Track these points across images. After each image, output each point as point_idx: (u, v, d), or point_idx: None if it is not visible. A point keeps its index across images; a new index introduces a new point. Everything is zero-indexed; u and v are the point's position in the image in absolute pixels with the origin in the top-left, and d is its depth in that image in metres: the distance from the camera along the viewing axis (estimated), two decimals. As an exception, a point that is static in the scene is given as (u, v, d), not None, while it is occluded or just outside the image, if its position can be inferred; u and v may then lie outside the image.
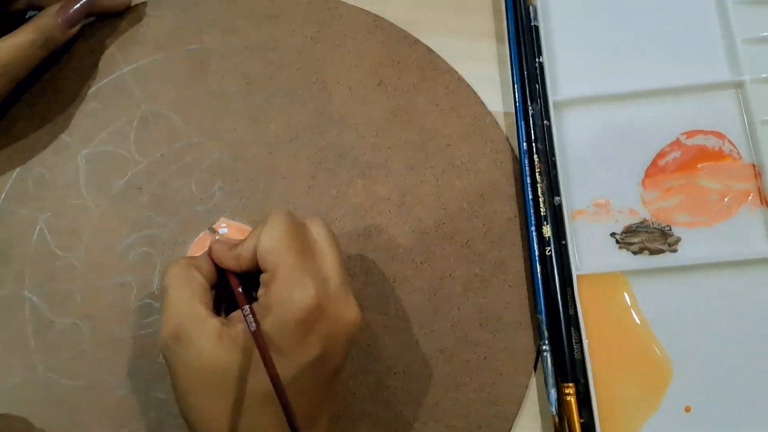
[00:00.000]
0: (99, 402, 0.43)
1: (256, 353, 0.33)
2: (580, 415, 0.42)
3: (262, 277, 0.35)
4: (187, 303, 0.35)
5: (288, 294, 0.33)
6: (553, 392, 0.42)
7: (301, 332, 0.33)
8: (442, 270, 0.45)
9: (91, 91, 0.48)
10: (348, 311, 0.35)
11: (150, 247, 0.45)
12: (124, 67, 0.49)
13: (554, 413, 0.42)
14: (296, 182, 0.46)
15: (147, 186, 0.46)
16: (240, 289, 0.36)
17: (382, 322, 0.44)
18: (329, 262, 0.36)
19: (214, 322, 0.34)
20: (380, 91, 0.48)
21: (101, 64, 0.49)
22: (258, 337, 0.32)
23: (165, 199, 0.46)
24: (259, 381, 0.33)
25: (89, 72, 0.49)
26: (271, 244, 0.34)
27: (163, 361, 0.43)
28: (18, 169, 0.47)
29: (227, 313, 0.39)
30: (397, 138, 0.47)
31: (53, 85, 0.48)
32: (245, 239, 0.37)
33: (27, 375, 0.44)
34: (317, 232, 0.37)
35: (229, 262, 0.37)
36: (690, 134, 0.46)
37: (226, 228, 0.45)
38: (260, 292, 0.35)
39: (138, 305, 0.45)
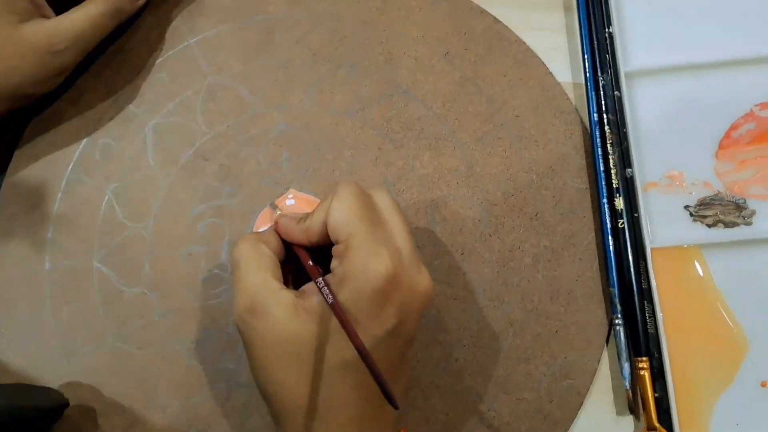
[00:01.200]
0: (168, 371, 0.43)
1: (333, 324, 0.33)
2: (654, 390, 0.41)
3: (335, 249, 0.35)
4: (260, 277, 0.35)
5: (364, 264, 0.33)
6: (626, 366, 0.41)
7: (378, 302, 0.33)
8: (511, 242, 0.44)
9: (158, 62, 0.48)
10: (421, 280, 0.35)
11: (218, 218, 0.45)
12: (190, 39, 0.48)
13: (628, 388, 0.41)
14: (363, 153, 0.46)
15: (215, 157, 0.46)
16: (310, 262, 0.36)
17: (450, 294, 0.44)
18: (399, 232, 0.35)
19: (288, 295, 0.34)
20: (447, 62, 0.47)
21: (168, 35, 0.49)
22: (337, 307, 0.32)
23: (233, 170, 0.46)
24: (336, 351, 0.33)
25: (156, 43, 0.48)
26: (343, 215, 0.34)
27: (232, 332, 0.43)
28: (85, 139, 0.47)
29: (296, 288, 0.39)
30: (464, 109, 0.46)
31: (120, 56, 0.48)
32: (313, 212, 0.36)
33: (97, 344, 0.44)
34: (383, 202, 0.36)
35: (297, 235, 0.37)
36: (764, 106, 0.45)
37: (293, 199, 0.45)
38: (333, 263, 0.35)
39: (207, 275, 0.44)
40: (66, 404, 0.42)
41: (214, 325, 0.44)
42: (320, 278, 0.34)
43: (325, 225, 0.35)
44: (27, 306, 0.44)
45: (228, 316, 0.44)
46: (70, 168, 0.47)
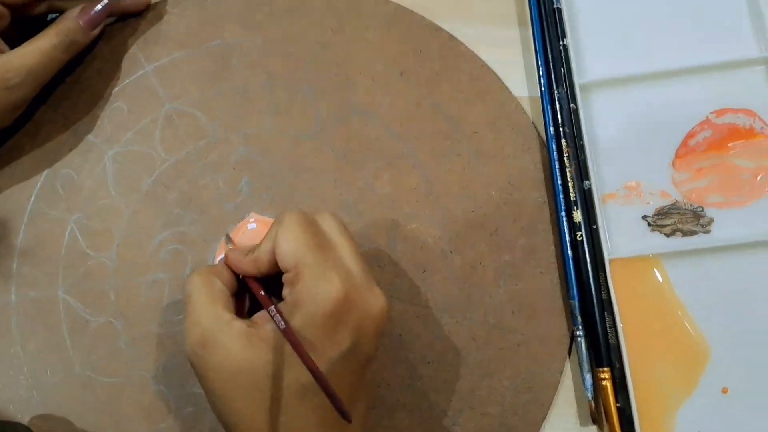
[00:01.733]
0: (136, 398, 0.43)
1: (287, 350, 0.33)
2: (617, 400, 0.41)
3: (285, 277, 0.35)
4: (210, 309, 0.35)
5: (315, 289, 0.33)
6: (588, 377, 0.42)
7: (331, 325, 0.33)
8: (472, 258, 0.44)
9: (115, 90, 0.48)
10: (374, 300, 0.35)
11: (180, 244, 0.45)
12: (147, 66, 0.48)
13: (590, 398, 0.41)
14: (322, 175, 0.46)
15: (175, 184, 0.46)
16: (262, 292, 0.36)
17: (413, 312, 0.44)
18: (348, 254, 0.36)
19: (239, 325, 0.34)
20: (403, 81, 0.47)
21: (124, 63, 0.49)
22: (289, 331, 0.33)
23: (193, 197, 0.46)
24: (293, 376, 0.33)
25: (112, 72, 0.48)
26: (289, 244, 0.34)
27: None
28: (46, 171, 0.47)
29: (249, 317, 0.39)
30: (422, 127, 0.47)
31: (77, 86, 0.48)
32: (260, 243, 0.37)
33: (64, 374, 0.44)
34: (330, 226, 0.37)
35: (247, 267, 0.37)
36: (720, 113, 0.45)
37: (254, 223, 0.45)
38: (285, 291, 0.35)
39: (171, 302, 0.45)
40: None
41: (179, 351, 0.44)
42: (272, 306, 0.34)
43: (274, 255, 0.35)
44: (-5, 339, 0.45)
45: (193, 342, 0.44)
46: (32, 200, 0.47)
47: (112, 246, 0.46)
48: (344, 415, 0.32)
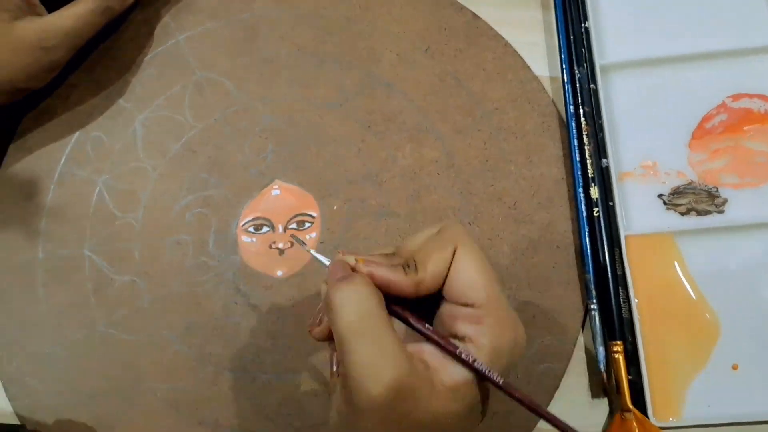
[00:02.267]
0: (157, 357, 0.44)
1: (473, 399, 0.29)
2: (629, 373, 0.42)
3: (463, 312, 0.30)
4: (399, 350, 0.28)
5: (513, 337, 0.29)
6: (601, 350, 0.42)
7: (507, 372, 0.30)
8: (490, 231, 0.45)
9: (147, 58, 0.49)
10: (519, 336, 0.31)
11: (205, 208, 0.46)
12: (179, 36, 0.49)
13: (602, 370, 0.42)
14: (346, 145, 0.47)
15: (202, 149, 0.47)
16: (447, 339, 0.30)
17: (431, 281, 0.44)
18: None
19: (425, 369, 0.29)
20: (427, 57, 0.48)
21: (156, 32, 0.50)
22: (514, 390, 0.29)
23: (219, 162, 0.47)
24: (472, 425, 0.30)
25: (145, 40, 0.49)
26: (479, 277, 0.30)
27: (219, 317, 0.44)
28: (77, 133, 0.48)
29: None
30: (445, 102, 0.47)
31: (111, 53, 0.49)
32: (422, 262, 0.30)
33: (88, 330, 0.45)
34: (474, 249, 0.31)
35: (404, 289, 0.30)
36: (736, 97, 0.46)
37: (278, 190, 0.46)
38: (467, 329, 0.29)
39: (193, 263, 0.45)
40: None
41: (201, 312, 0.45)
42: (479, 363, 0.29)
43: (441, 279, 0.30)
44: (21, 294, 0.45)
45: (214, 302, 0.45)
46: (63, 161, 0.48)
47: (138, 207, 0.46)
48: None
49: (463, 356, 0.28)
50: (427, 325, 0.30)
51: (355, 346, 0.28)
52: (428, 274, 0.30)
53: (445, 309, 0.30)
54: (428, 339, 0.29)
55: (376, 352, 0.27)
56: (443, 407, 0.28)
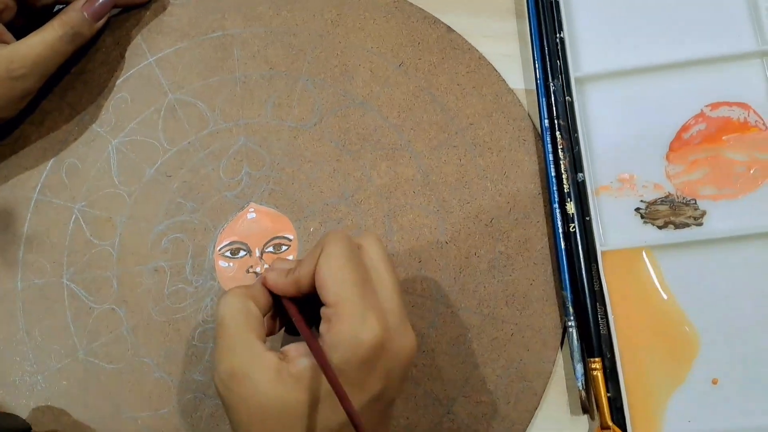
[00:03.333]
0: (137, 384, 0.44)
1: (320, 390, 0.32)
2: (608, 390, 0.41)
3: (323, 311, 0.33)
4: (244, 338, 0.33)
5: (353, 333, 0.31)
6: (579, 367, 0.42)
7: (365, 371, 0.32)
8: (467, 249, 0.44)
9: (119, 81, 0.48)
10: (406, 343, 0.33)
11: (182, 233, 0.45)
12: (150, 57, 0.48)
13: (581, 388, 0.41)
14: (321, 165, 0.46)
15: (177, 173, 0.46)
16: (302, 322, 0.34)
17: (409, 302, 0.44)
18: (387, 290, 0.34)
19: (271, 358, 0.32)
20: (401, 73, 0.47)
21: (128, 54, 0.48)
22: (333, 377, 0.30)
23: (195, 186, 0.46)
24: (323, 418, 0.32)
25: (116, 63, 0.48)
26: (331, 277, 0.32)
27: (198, 344, 0.43)
28: (51, 160, 0.47)
29: (286, 330, 0.38)
30: (420, 118, 0.46)
31: (82, 77, 0.48)
32: (301, 264, 0.35)
33: (68, 359, 0.44)
34: (373, 254, 0.35)
35: (287, 289, 0.35)
36: (714, 106, 0.45)
37: (254, 213, 0.45)
38: (323, 327, 0.33)
39: (172, 290, 0.45)
40: (29, 429, 0.42)
41: (180, 339, 0.44)
42: (316, 344, 0.32)
43: (314, 277, 0.33)
44: (2, 324, 0.45)
45: (193, 329, 0.44)
46: (38, 189, 0.47)
47: (114, 234, 0.46)
48: None
49: (312, 349, 0.31)
50: (303, 324, 0.33)
51: (216, 334, 0.34)
52: (302, 275, 0.34)
53: (322, 310, 0.33)
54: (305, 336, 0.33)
55: (223, 345, 0.33)
56: (286, 392, 0.32)
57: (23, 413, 0.44)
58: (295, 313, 0.34)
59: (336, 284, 0.32)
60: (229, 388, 0.32)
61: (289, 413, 0.32)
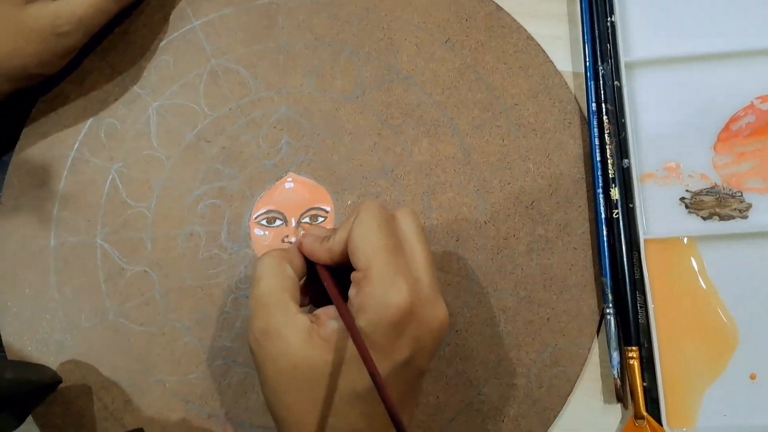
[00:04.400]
0: (167, 348, 0.43)
1: (347, 353, 0.31)
2: (643, 379, 0.40)
3: (354, 276, 0.33)
4: (278, 298, 0.33)
5: (381, 296, 0.31)
6: (615, 355, 0.40)
7: (393, 335, 0.31)
8: (506, 230, 0.43)
9: (161, 44, 0.47)
10: (437, 314, 0.33)
11: (218, 199, 0.44)
12: (194, 21, 0.47)
13: (616, 376, 0.40)
14: (362, 138, 0.45)
15: (216, 139, 0.45)
16: (332, 284, 0.34)
17: (444, 280, 0.42)
18: (419, 261, 0.33)
19: (303, 319, 0.32)
20: (447, 49, 0.46)
21: (171, 17, 0.47)
22: (359, 338, 0.30)
23: (234, 153, 0.45)
24: (349, 381, 0.32)
25: (160, 26, 0.47)
26: (363, 242, 0.32)
27: (230, 311, 0.42)
28: (91, 119, 0.46)
29: (313, 304, 0.37)
30: (464, 96, 0.45)
31: (125, 38, 0.47)
32: (336, 232, 0.34)
33: (99, 320, 0.43)
34: (407, 226, 0.34)
35: (321, 255, 0.35)
36: (765, 98, 0.43)
37: (292, 183, 0.44)
38: (351, 291, 0.33)
39: (206, 255, 0.44)
40: (59, 381, 0.41)
41: (212, 304, 0.43)
42: (344, 306, 0.32)
43: (347, 245, 0.33)
44: (33, 281, 0.44)
45: (226, 295, 0.43)
46: (76, 147, 0.46)
47: (151, 197, 0.45)
48: (400, 428, 0.30)
49: (341, 311, 0.31)
50: (334, 289, 0.33)
51: (251, 293, 0.34)
52: (335, 242, 0.34)
53: (353, 275, 0.33)
54: (334, 299, 0.33)
55: (258, 304, 0.33)
56: (315, 353, 0.32)
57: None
58: (326, 277, 0.34)
59: (367, 248, 0.32)
60: (262, 346, 0.32)
61: (318, 374, 0.32)
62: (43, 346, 0.43)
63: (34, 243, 0.44)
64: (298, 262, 0.36)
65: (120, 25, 0.47)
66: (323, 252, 0.35)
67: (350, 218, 0.34)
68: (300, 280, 0.35)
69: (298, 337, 0.32)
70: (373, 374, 0.30)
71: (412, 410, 0.35)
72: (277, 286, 0.33)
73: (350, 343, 0.31)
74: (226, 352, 0.42)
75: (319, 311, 0.34)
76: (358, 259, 0.32)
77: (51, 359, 0.43)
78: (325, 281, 0.34)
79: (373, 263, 0.32)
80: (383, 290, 0.31)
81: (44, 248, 0.44)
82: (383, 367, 0.31)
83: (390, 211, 0.34)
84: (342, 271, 0.35)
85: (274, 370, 0.32)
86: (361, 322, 0.31)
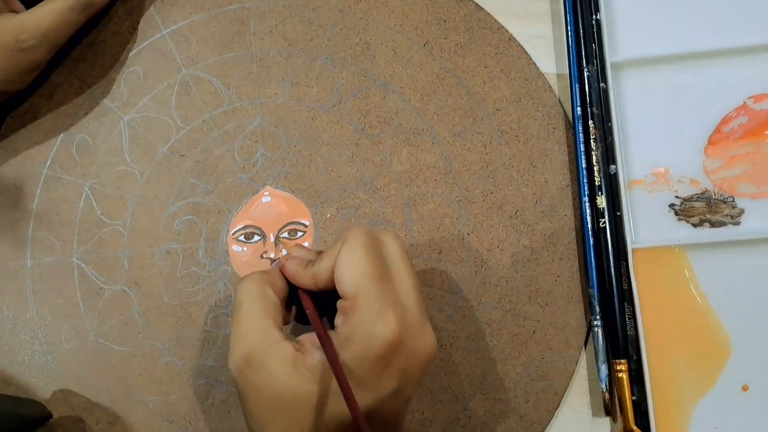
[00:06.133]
0: (148, 368, 0.41)
1: (332, 383, 0.30)
2: (632, 393, 0.38)
3: (340, 304, 0.31)
4: (261, 325, 0.31)
5: (369, 327, 0.29)
6: (603, 368, 0.38)
7: (379, 368, 0.29)
8: (489, 241, 0.40)
9: (131, 54, 0.44)
10: (425, 343, 0.31)
11: (195, 215, 0.42)
12: (164, 29, 0.44)
13: (605, 389, 0.38)
14: (339, 149, 0.42)
15: (190, 153, 0.42)
16: (316, 316, 0.32)
17: (427, 294, 0.40)
18: (406, 287, 0.31)
19: (287, 347, 0.30)
20: (426, 53, 0.42)
21: (141, 26, 0.44)
22: (339, 371, 0.29)
23: (208, 166, 0.42)
24: (334, 411, 0.30)
25: (128, 35, 0.44)
26: (350, 269, 0.30)
27: (210, 329, 0.40)
28: (62, 134, 0.43)
29: (296, 320, 0.36)
30: (444, 102, 0.42)
31: (93, 49, 0.44)
32: (321, 258, 0.32)
33: (79, 341, 0.41)
34: (392, 250, 0.32)
35: (304, 281, 0.33)
36: (758, 98, 0.40)
37: (269, 197, 0.42)
38: (338, 320, 0.31)
39: (184, 273, 0.41)
40: (49, 416, 0.40)
41: (192, 323, 0.41)
42: (326, 336, 0.30)
43: (333, 273, 0.31)
44: (11, 302, 0.42)
45: (206, 314, 0.41)
46: (48, 164, 0.43)
47: (126, 214, 0.42)
48: None
49: (322, 342, 0.30)
50: (316, 317, 0.31)
51: (233, 318, 0.32)
52: (321, 269, 0.32)
53: (339, 303, 0.31)
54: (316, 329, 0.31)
55: (240, 330, 0.31)
56: (299, 384, 0.30)
57: (34, 393, 0.41)
58: (310, 306, 0.32)
59: (355, 276, 0.30)
60: (244, 374, 0.30)
61: (302, 404, 0.30)
62: (24, 368, 0.41)
63: (10, 263, 0.42)
64: (280, 284, 0.34)
65: (87, 36, 0.44)
66: (307, 277, 0.33)
67: (337, 244, 0.32)
68: (283, 301, 0.33)
69: (282, 366, 0.30)
70: (354, 415, 0.28)
71: None
72: (259, 312, 0.31)
73: None
74: (208, 371, 0.40)
75: (304, 338, 0.32)
76: (346, 286, 0.30)
77: (32, 381, 0.41)
78: (307, 309, 0.32)
79: (361, 292, 0.30)
80: (371, 321, 0.29)
81: (20, 268, 0.42)
82: (368, 400, 0.30)
83: (377, 236, 0.32)
84: (325, 293, 0.33)
85: (258, 400, 0.30)
86: (347, 355, 0.29)
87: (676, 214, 0.39)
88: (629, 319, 0.38)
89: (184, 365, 0.41)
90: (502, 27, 0.42)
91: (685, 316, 0.38)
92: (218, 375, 0.40)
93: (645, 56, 0.41)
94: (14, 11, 0.41)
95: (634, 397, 0.38)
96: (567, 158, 0.41)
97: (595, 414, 0.39)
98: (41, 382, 0.41)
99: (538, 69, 0.42)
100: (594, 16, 0.41)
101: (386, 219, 0.41)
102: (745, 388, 0.38)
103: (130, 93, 0.43)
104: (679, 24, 0.41)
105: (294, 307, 0.35)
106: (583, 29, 0.41)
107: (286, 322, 0.34)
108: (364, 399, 0.29)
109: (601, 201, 0.39)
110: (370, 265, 0.30)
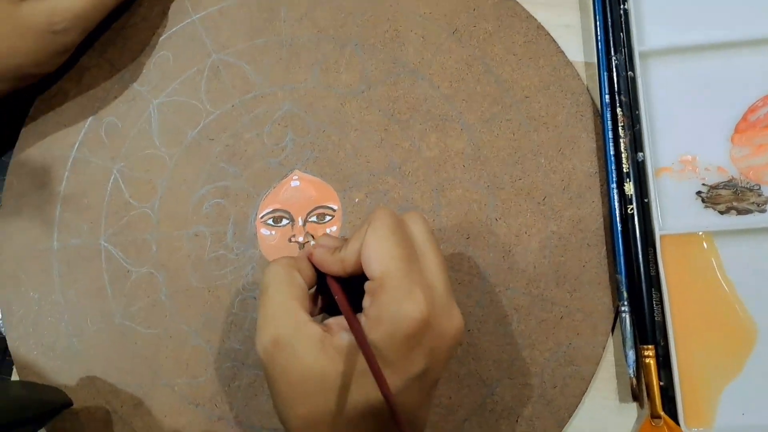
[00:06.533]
0: (174, 351, 0.40)
1: (359, 364, 0.30)
2: (660, 378, 0.38)
3: (368, 285, 0.31)
4: (288, 307, 0.31)
5: (397, 307, 0.29)
6: (631, 354, 0.38)
7: (408, 346, 0.29)
8: (517, 227, 0.40)
9: (161, 39, 0.44)
10: (453, 323, 0.31)
11: (223, 199, 0.42)
12: (194, 15, 0.44)
13: (632, 375, 0.38)
14: (368, 134, 0.42)
15: (219, 137, 0.42)
16: (344, 299, 0.31)
17: (455, 279, 0.40)
18: (433, 267, 0.31)
19: (315, 329, 0.30)
20: (455, 40, 0.43)
21: (171, 11, 0.44)
22: (368, 351, 0.28)
23: (237, 151, 0.42)
24: (361, 392, 0.30)
25: (159, 20, 0.44)
26: (377, 251, 0.30)
27: (237, 312, 0.40)
28: (90, 117, 0.43)
29: (326, 313, 0.35)
30: (472, 89, 0.42)
31: (123, 33, 0.44)
32: (347, 242, 0.32)
33: (105, 323, 0.41)
34: (418, 231, 0.32)
35: (332, 267, 0.33)
36: (784, 87, 0.40)
37: (298, 181, 0.41)
38: (365, 301, 0.31)
39: (212, 256, 0.41)
40: (70, 404, 0.39)
41: (220, 306, 0.41)
42: (354, 317, 0.30)
43: (359, 256, 0.31)
44: (37, 285, 0.42)
45: (233, 297, 0.41)
46: (76, 147, 0.43)
47: (154, 197, 0.42)
48: None
49: (350, 323, 0.29)
50: (345, 302, 0.31)
51: (260, 301, 0.32)
52: (348, 253, 0.32)
53: (367, 285, 0.31)
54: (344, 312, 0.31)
55: (267, 313, 0.31)
56: (328, 365, 0.30)
57: (58, 375, 0.41)
58: (337, 290, 0.32)
59: (382, 258, 0.30)
60: (272, 356, 0.30)
61: (330, 385, 0.30)
62: (49, 350, 0.41)
63: (36, 245, 0.42)
64: (308, 271, 0.34)
65: (118, 20, 0.44)
66: (334, 263, 0.33)
67: (363, 227, 0.32)
68: (310, 290, 0.33)
69: (311, 347, 0.30)
70: (386, 395, 0.28)
71: (425, 417, 0.33)
72: (286, 295, 0.31)
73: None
74: (234, 354, 0.40)
75: (331, 321, 0.32)
76: (373, 268, 0.30)
77: (57, 363, 0.41)
78: (336, 294, 0.32)
79: (389, 273, 0.30)
80: (399, 301, 0.29)
81: (47, 251, 0.42)
82: (396, 381, 0.29)
83: (402, 218, 0.32)
84: (353, 281, 0.32)
85: (286, 382, 0.30)
86: (376, 335, 0.29)
87: (703, 201, 0.39)
88: (657, 305, 0.38)
89: (210, 348, 0.40)
90: (531, 16, 0.42)
91: (712, 302, 0.38)
92: (245, 358, 0.40)
93: (672, 46, 0.41)
94: (46, -6, 0.41)
95: (661, 383, 0.38)
96: (595, 145, 0.41)
97: (622, 399, 0.39)
98: (66, 364, 0.41)
99: (566, 57, 0.42)
100: (622, 5, 0.41)
101: (414, 204, 0.41)
102: (771, 375, 0.38)
103: (159, 77, 0.43)
104: (707, 14, 0.41)
105: (321, 298, 0.35)
106: (611, 18, 0.41)
107: (312, 314, 0.33)
108: (392, 380, 0.29)
109: (629, 188, 0.39)
110: (396, 246, 0.30)
